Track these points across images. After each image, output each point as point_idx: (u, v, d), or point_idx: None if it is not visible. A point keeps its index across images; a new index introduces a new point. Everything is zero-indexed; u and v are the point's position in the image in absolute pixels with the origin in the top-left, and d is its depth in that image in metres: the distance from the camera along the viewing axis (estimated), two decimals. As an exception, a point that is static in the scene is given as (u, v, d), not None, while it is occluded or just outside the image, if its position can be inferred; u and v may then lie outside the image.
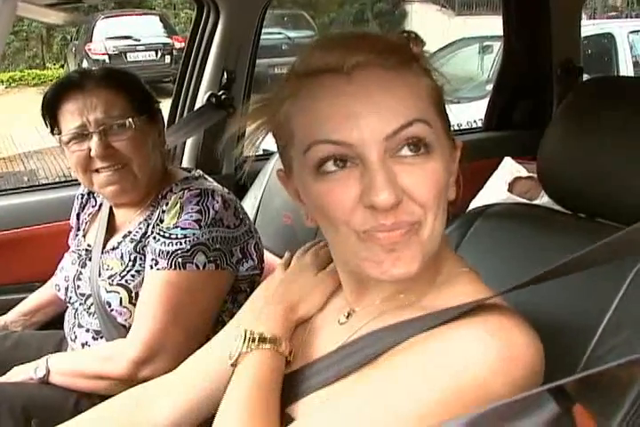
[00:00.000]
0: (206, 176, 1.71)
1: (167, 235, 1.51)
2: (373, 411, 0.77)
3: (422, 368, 0.77)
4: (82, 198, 1.86)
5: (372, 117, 0.78)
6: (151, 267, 1.52)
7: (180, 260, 1.48)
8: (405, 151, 0.80)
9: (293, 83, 0.84)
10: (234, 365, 0.95)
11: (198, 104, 2.43)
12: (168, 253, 1.49)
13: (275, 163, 2.39)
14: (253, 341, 0.94)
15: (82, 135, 1.55)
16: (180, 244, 1.49)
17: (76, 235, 1.82)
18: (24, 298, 2.00)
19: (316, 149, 0.80)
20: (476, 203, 2.13)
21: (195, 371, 1.12)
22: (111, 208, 1.73)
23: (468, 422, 0.59)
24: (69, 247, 1.82)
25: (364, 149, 0.78)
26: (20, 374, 1.57)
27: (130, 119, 1.56)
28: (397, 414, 0.76)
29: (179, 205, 1.52)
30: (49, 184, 2.71)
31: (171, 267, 1.49)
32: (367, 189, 0.78)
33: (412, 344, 0.81)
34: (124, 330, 1.55)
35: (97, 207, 1.80)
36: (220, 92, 2.39)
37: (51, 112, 1.59)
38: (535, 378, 0.78)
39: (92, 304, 1.62)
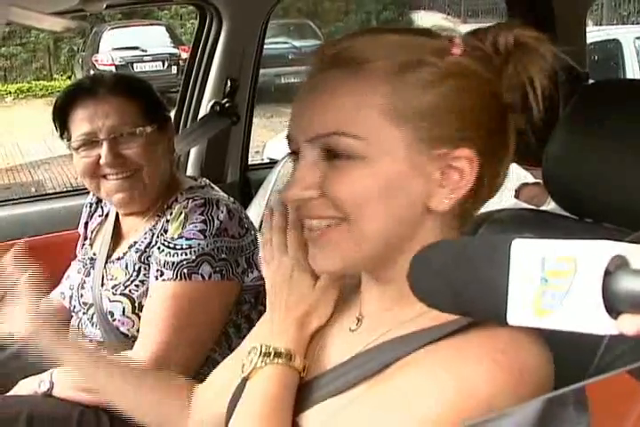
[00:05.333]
0: (212, 185, 1.70)
1: (172, 245, 1.50)
2: None
3: (423, 387, 0.75)
4: (90, 207, 1.84)
5: (305, 119, 0.83)
6: (156, 278, 1.50)
7: (185, 270, 1.47)
8: (330, 155, 0.82)
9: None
10: (246, 378, 0.93)
11: (202, 113, 2.43)
12: (173, 263, 1.48)
13: (279, 171, 2.39)
14: (268, 355, 0.91)
15: (92, 142, 1.55)
16: (186, 254, 1.48)
17: (83, 244, 1.81)
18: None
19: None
20: (483, 209, 2.11)
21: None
22: (117, 216, 1.72)
23: None
24: (77, 256, 1.81)
25: (298, 147, 0.84)
26: (25, 388, 1.55)
27: (141, 127, 1.55)
28: None
29: (183, 215, 1.51)
30: (56, 193, 2.69)
31: (176, 278, 1.48)
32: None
33: (417, 359, 0.79)
34: (126, 340, 1.54)
35: (104, 216, 1.79)
36: (224, 101, 2.39)
37: (61, 117, 1.59)
38: (544, 393, 0.75)
39: (93, 314, 1.61)
